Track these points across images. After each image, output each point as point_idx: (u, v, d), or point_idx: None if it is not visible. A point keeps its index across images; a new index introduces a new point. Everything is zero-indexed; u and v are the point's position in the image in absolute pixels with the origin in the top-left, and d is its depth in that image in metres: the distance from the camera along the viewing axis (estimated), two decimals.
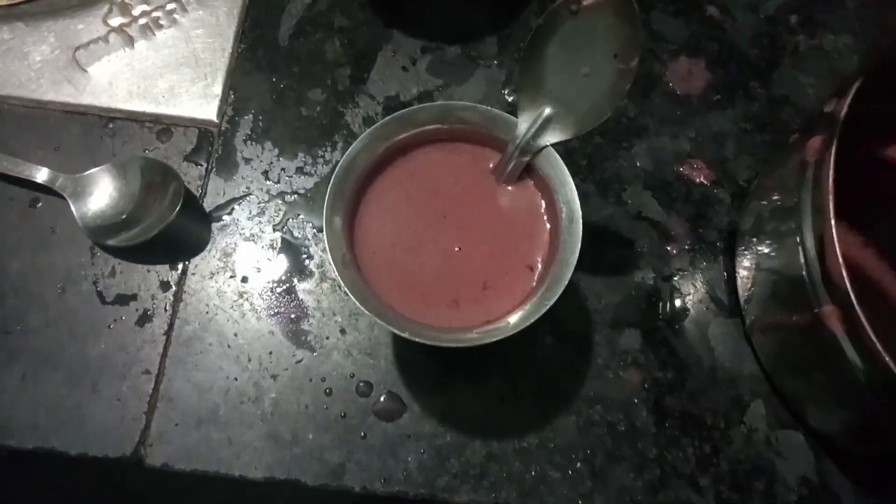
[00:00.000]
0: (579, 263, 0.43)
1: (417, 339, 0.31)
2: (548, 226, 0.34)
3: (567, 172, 0.33)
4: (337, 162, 0.45)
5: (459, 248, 0.34)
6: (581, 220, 0.32)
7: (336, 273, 0.31)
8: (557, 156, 0.34)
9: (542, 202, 0.35)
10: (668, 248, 0.44)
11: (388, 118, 0.34)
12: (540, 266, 0.34)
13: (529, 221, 0.35)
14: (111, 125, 0.46)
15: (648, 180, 0.46)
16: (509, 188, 0.35)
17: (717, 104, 0.48)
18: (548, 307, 0.31)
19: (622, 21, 0.31)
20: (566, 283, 0.31)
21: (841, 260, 0.31)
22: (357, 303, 0.30)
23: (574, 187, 0.33)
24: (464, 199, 0.35)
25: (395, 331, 0.30)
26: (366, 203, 0.35)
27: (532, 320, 0.31)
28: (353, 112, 0.47)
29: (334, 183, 0.33)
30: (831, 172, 0.32)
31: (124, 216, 0.42)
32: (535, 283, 0.33)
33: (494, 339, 0.30)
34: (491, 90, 0.48)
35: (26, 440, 0.39)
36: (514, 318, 0.32)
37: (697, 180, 0.46)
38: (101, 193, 0.42)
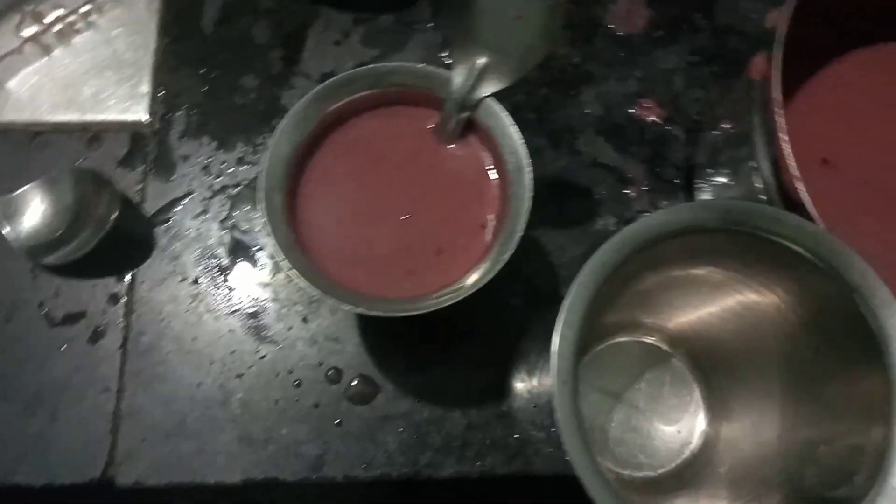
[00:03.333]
0: (539, 219, 0.42)
1: (374, 313, 0.29)
2: (496, 180, 0.33)
3: (510, 121, 0.32)
4: None
5: (409, 216, 0.33)
6: (530, 169, 0.31)
7: (282, 256, 0.29)
8: (498, 106, 0.32)
9: (488, 157, 0.33)
10: (627, 192, 0.43)
11: (317, 88, 0.32)
12: (493, 223, 0.32)
13: (477, 179, 0.33)
14: (38, 139, 0.44)
15: (600, 126, 0.45)
16: (452, 147, 0.34)
17: (661, 41, 0.47)
18: (504, 262, 0.30)
19: None
20: (520, 235, 0.30)
21: (797, 174, 0.30)
22: (306, 284, 0.29)
23: (519, 136, 0.31)
24: (407, 164, 0.33)
25: (349, 307, 0.29)
26: (306, 182, 0.33)
27: (489, 278, 0.30)
28: (289, 94, 0.45)
29: (269, 162, 0.31)
30: (779, 86, 0.31)
31: (60, 232, 0.40)
32: (489, 241, 0.32)
33: (453, 302, 0.29)
34: (429, 55, 0.47)
35: None
36: (471, 279, 0.30)
37: (650, 120, 0.45)
38: (33, 212, 0.40)
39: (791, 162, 0.30)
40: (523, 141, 0.31)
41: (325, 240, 0.32)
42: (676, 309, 0.37)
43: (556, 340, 0.26)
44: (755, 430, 0.35)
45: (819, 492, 0.29)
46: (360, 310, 0.29)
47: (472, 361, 0.40)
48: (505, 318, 0.41)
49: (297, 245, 0.31)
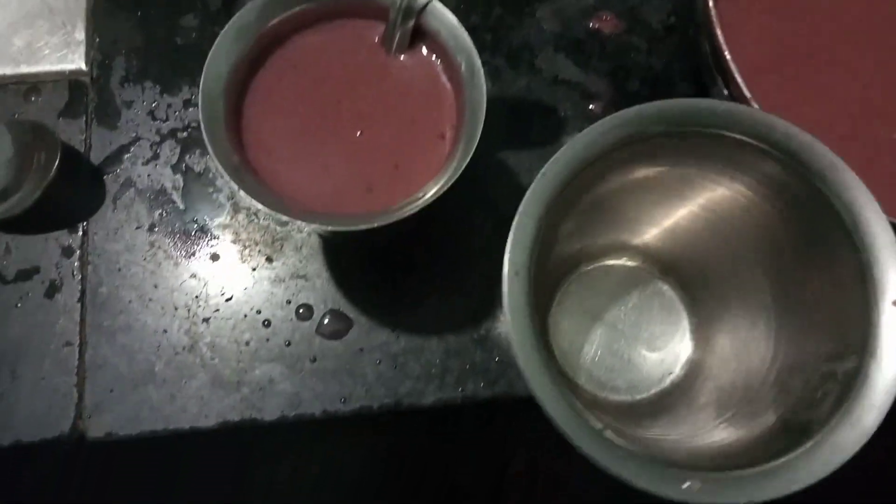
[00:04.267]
0: (504, 141, 0.41)
1: (330, 228, 0.28)
2: (450, 88, 0.32)
3: (458, 24, 0.30)
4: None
5: (362, 133, 0.31)
6: (482, 71, 0.29)
7: (227, 178, 0.28)
8: (445, 8, 0.31)
9: (440, 63, 0.32)
10: (591, 108, 0.42)
11: (248, 3, 0.31)
12: (450, 131, 0.31)
13: (431, 88, 0.32)
14: None
15: (559, 43, 0.44)
16: (402, 58, 0.32)
17: None
18: (462, 169, 0.29)
19: None
20: (478, 139, 0.29)
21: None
22: (258, 203, 0.28)
23: (468, 37, 0.30)
24: (356, 80, 0.32)
25: (304, 223, 0.28)
26: (249, 105, 0.31)
27: (449, 184, 0.28)
28: None
29: (204, 86, 0.29)
30: None
31: (4, 187, 0.38)
32: (448, 150, 0.31)
33: (411, 213, 0.28)
34: None
35: None
36: (431, 190, 0.29)
37: (609, 32, 0.44)
38: None
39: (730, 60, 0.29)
40: (472, 41, 0.30)
41: (278, 163, 0.31)
42: (651, 219, 0.37)
43: (513, 227, 0.25)
44: (738, 359, 0.35)
45: (791, 418, 0.29)
46: (314, 225, 0.28)
47: (444, 289, 0.39)
48: (475, 244, 0.40)
49: (246, 168, 0.30)
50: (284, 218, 0.28)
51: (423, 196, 0.29)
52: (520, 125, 0.42)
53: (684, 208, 0.35)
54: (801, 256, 0.30)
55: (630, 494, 0.25)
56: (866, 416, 0.25)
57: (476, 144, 0.29)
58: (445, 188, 0.29)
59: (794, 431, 0.27)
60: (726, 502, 0.25)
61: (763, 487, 0.25)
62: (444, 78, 0.32)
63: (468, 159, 0.29)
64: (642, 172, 0.32)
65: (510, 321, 0.26)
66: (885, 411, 0.25)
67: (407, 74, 0.32)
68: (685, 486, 0.25)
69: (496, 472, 0.59)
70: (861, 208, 0.27)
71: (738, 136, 0.28)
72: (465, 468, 0.55)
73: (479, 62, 0.29)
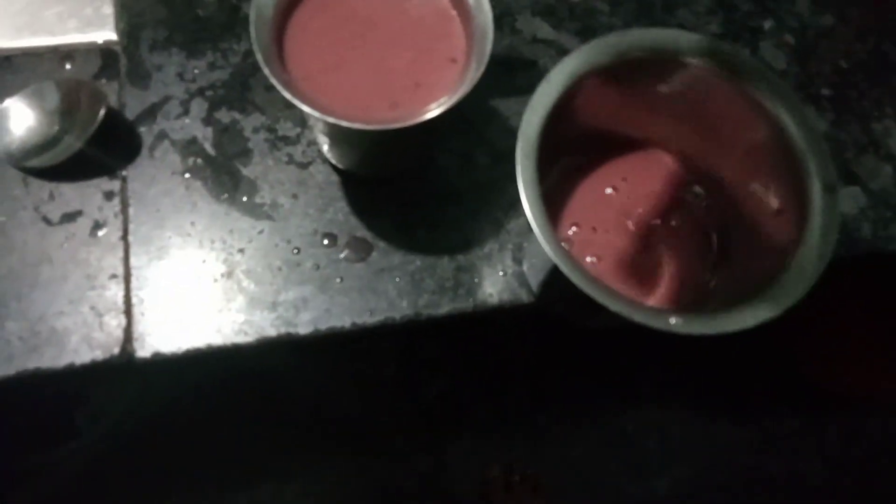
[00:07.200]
0: (496, 91, 0.48)
1: (369, 128, 0.33)
2: (458, 19, 0.37)
3: None
4: (246, 52, 0.47)
5: (384, 60, 0.37)
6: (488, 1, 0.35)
7: (282, 90, 0.33)
8: None
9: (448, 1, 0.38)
10: None
11: None
12: (461, 56, 0.37)
13: (442, 21, 0.38)
14: (9, 63, 0.45)
15: (535, 8, 0.51)
16: None
17: None
18: (476, 81, 0.34)
19: None
20: (487, 60, 0.34)
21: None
22: (291, 98, 0.32)
23: None
24: (377, 18, 0.38)
25: (328, 118, 0.32)
26: (289, 38, 0.37)
27: (462, 95, 0.34)
28: (247, 5, 0.48)
29: (255, 21, 0.34)
30: None
31: (50, 137, 0.42)
32: (461, 72, 0.37)
33: (431, 117, 0.33)
34: None
35: (6, 367, 0.39)
36: (447, 104, 0.34)
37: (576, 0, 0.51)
38: (18, 122, 0.42)
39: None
40: None
41: (311, 83, 0.36)
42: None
43: (523, 120, 0.31)
44: None
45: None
46: (331, 120, 0.33)
47: (453, 215, 0.44)
48: (476, 176, 0.46)
49: (291, 87, 0.35)
50: (331, 120, 0.33)
51: (440, 107, 0.34)
52: (506, 77, 0.48)
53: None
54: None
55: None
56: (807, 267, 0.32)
57: (486, 65, 0.35)
58: (459, 98, 0.34)
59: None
60: (705, 332, 0.31)
61: (729, 323, 0.31)
62: (453, 11, 0.38)
63: (479, 78, 0.34)
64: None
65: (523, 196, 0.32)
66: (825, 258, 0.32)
67: (419, 10, 0.38)
68: (672, 321, 0.31)
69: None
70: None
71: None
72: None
73: None
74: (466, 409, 1.14)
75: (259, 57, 0.33)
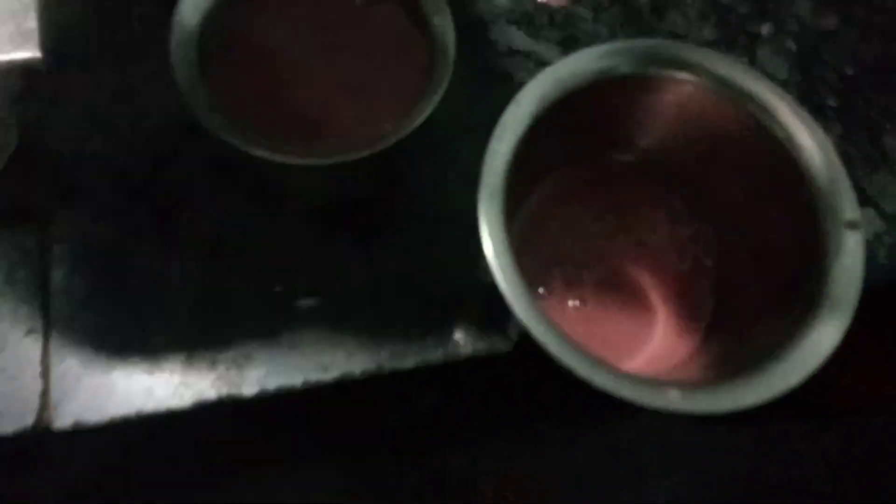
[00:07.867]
0: (467, 106, 0.42)
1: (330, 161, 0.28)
2: (419, 32, 0.33)
3: None
4: None
5: (338, 76, 0.32)
6: (450, 15, 0.31)
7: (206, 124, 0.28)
8: None
9: (407, 11, 0.33)
10: None
11: None
12: (422, 72, 0.32)
13: (399, 34, 0.33)
14: None
15: (510, 16, 0.46)
16: (371, 8, 0.33)
17: None
18: (440, 96, 0.29)
19: None
20: (449, 76, 0.30)
21: None
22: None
23: None
24: (327, 30, 0.33)
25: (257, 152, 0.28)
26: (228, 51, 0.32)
27: (424, 117, 0.29)
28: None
29: (176, 38, 0.29)
30: None
31: None
32: (422, 89, 0.32)
33: (391, 143, 0.29)
34: None
35: None
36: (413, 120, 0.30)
37: (556, 5, 0.46)
38: None
39: None
40: None
41: (257, 108, 0.31)
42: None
43: (488, 151, 0.27)
44: None
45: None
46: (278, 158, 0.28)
47: (418, 250, 0.39)
48: (448, 204, 0.41)
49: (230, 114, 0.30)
50: (259, 153, 0.28)
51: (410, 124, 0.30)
52: (481, 93, 0.43)
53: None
54: None
55: None
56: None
57: (445, 87, 0.30)
58: (423, 119, 0.29)
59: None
60: (705, 409, 0.26)
61: (731, 398, 0.26)
62: (411, 24, 0.33)
63: (438, 101, 0.30)
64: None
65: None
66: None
67: (375, 23, 0.33)
68: (670, 395, 0.26)
69: None
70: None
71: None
72: None
73: (445, 5, 0.31)
74: (461, 420, 1.10)
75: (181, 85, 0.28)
